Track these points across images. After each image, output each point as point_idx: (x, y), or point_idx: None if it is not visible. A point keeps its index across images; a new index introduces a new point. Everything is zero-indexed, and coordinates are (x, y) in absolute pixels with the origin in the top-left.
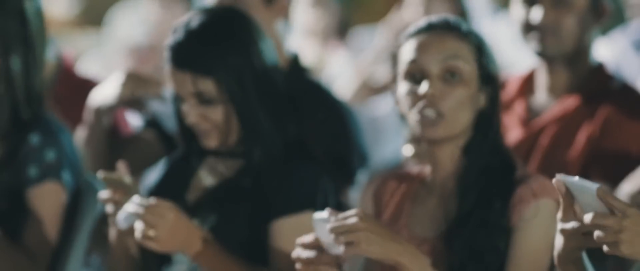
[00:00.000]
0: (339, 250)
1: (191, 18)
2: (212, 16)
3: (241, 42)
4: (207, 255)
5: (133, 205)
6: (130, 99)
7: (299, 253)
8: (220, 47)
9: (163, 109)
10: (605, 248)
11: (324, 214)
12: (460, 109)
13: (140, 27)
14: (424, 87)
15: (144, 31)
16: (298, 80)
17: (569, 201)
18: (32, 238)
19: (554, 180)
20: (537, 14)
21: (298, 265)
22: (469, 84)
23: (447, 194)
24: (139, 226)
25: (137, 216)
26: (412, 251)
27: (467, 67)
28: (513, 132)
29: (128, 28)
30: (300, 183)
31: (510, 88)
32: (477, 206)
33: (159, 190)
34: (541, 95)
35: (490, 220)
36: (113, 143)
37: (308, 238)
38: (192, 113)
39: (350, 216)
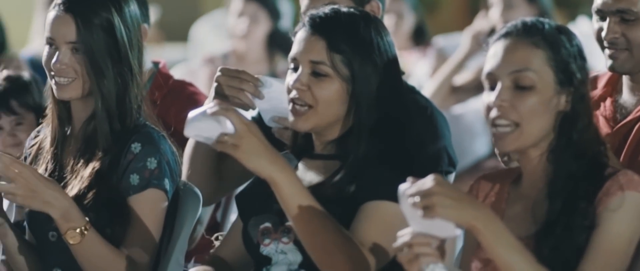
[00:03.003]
0: (423, 224)
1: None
2: (355, 9)
3: (376, 36)
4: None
5: None
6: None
7: (400, 240)
8: (357, 30)
9: (263, 106)
10: None
11: (407, 185)
12: (533, 117)
13: (223, 38)
14: (493, 97)
15: (226, 41)
16: None
17: None
18: (135, 245)
19: None
20: (605, 29)
21: (401, 252)
22: (542, 91)
23: (537, 196)
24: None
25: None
26: (488, 216)
27: (538, 76)
28: (601, 131)
29: (211, 40)
30: (390, 179)
31: (599, 86)
32: (565, 210)
33: (252, 189)
34: (628, 94)
35: (577, 222)
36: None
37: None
38: (301, 80)
39: (427, 182)
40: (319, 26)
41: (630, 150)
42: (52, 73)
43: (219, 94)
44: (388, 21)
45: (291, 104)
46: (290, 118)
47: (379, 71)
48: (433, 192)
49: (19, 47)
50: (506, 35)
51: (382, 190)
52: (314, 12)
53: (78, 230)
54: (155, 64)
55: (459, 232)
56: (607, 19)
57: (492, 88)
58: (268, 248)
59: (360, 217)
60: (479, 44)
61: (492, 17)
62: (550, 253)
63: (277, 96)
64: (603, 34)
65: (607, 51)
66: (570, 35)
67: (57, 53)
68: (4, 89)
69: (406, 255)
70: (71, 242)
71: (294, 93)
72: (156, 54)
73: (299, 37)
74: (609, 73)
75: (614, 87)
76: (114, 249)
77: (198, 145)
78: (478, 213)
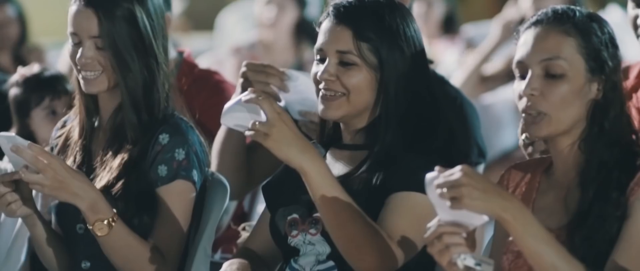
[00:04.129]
0: (451, 213)
1: None
2: None
3: (402, 23)
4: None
5: None
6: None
7: (430, 231)
8: (383, 18)
9: (290, 99)
10: None
11: (434, 174)
12: (564, 106)
13: (249, 28)
14: (523, 85)
15: (252, 30)
16: None
17: None
18: (163, 236)
19: None
20: None
21: (431, 243)
22: (573, 79)
23: (568, 186)
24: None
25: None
26: (517, 207)
27: (569, 64)
28: (635, 121)
29: (237, 29)
30: (419, 170)
31: (632, 77)
32: (597, 199)
33: (280, 180)
34: None
35: (609, 212)
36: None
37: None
38: (329, 71)
39: (455, 172)
40: (344, 15)
41: None
42: (78, 67)
43: (245, 89)
44: (418, 9)
45: (321, 94)
46: (320, 107)
47: (406, 58)
48: (461, 183)
49: (43, 37)
50: (537, 23)
51: (410, 180)
52: (338, 1)
53: (106, 222)
54: (180, 53)
55: (486, 219)
56: None
57: (523, 76)
58: (296, 239)
59: (388, 208)
60: (509, 32)
61: (522, 5)
62: (582, 244)
63: (303, 89)
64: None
65: None
66: (601, 23)
67: (81, 48)
68: (55, 73)
69: (436, 247)
70: (99, 234)
71: (323, 85)
72: (183, 43)
73: (324, 27)
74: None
75: None
76: (142, 240)
77: (228, 138)
78: (507, 204)
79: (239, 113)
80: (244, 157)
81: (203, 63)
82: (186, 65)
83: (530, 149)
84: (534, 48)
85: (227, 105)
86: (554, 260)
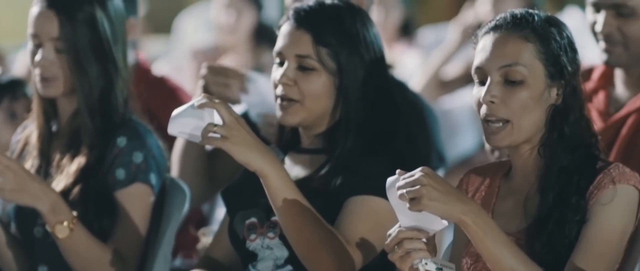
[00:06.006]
0: (410, 217)
1: None
2: (340, 1)
3: (362, 28)
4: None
5: None
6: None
7: (390, 237)
8: (343, 22)
9: (250, 101)
10: None
11: (395, 177)
12: (524, 112)
13: (207, 31)
14: (483, 92)
15: (211, 34)
16: None
17: None
18: (122, 239)
19: None
20: (600, 22)
21: (391, 250)
22: (532, 85)
23: (528, 191)
24: None
25: None
26: (476, 211)
27: (528, 70)
28: (594, 124)
29: (195, 33)
30: (377, 174)
31: (593, 78)
32: (557, 204)
33: (239, 185)
34: (622, 87)
35: (569, 217)
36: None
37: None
38: (288, 75)
39: (416, 173)
40: (304, 20)
41: (624, 144)
42: (37, 69)
43: (206, 91)
44: (376, 14)
45: (278, 99)
46: (278, 113)
47: (365, 63)
48: (421, 183)
49: (3, 40)
50: (495, 28)
51: (368, 184)
52: (298, 5)
53: (66, 224)
54: (136, 57)
55: (446, 223)
56: (602, 12)
57: (482, 83)
58: (254, 243)
59: (345, 212)
60: (468, 36)
61: (481, 9)
62: (542, 248)
63: (263, 91)
64: (598, 27)
65: (601, 44)
66: (560, 27)
67: (41, 49)
68: (14, 77)
69: (397, 253)
70: (59, 236)
71: (280, 89)
72: (141, 46)
73: (284, 31)
74: (603, 66)
75: (607, 80)
76: (102, 244)
77: (188, 144)
78: (466, 207)
79: (187, 120)
80: (205, 163)
81: (161, 66)
82: (140, 70)
83: (496, 153)
84: (493, 54)
85: (174, 113)
86: (513, 264)
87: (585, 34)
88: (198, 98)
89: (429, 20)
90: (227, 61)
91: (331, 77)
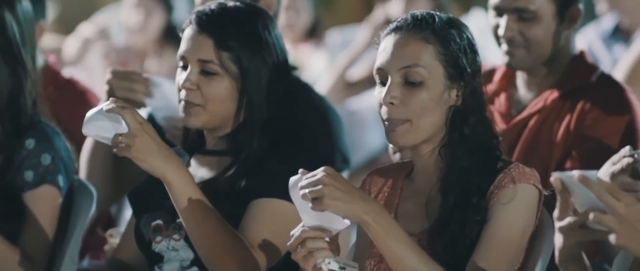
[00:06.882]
0: (313, 217)
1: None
2: (243, 4)
3: (264, 31)
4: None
5: None
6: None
7: (293, 237)
8: (245, 26)
9: (155, 105)
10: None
11: (297, 176)
12: (424, 113)
13: (118, 32)
14: (383, 93)
15: (122, 35)
16: None
17: (565, 197)
18: (30, 240)
19: (551, 178)
20: (503, 26)
21: (295, 250)
22: (432, 87)
23: (430, 191)
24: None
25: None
26: (378, 211)
27: (428, 71)
28: (496, 126)
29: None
30: (281, 177)
31: (495, 80)
32: (458, 205)
33: (145, 186)
34: (523, 89)
35: (470, 217)
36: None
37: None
38: (191, 80)
39: (318, 173)
40: (206, 24)
41: (526, 146)
42: None
43: (111, 96)
44: (285, 16)
45: (182, 103)
46: (182, 116)
47: (268, 66)
48: (323, 183)
49: None
50: (396, 29)
51: (272, 187)
52: (200, 9)
53: None
54: (45, 60)
55: (349, 223)
56: (505, 16)
57: (383, 83)
58: (160, 245)
59: (250, 214)
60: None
61: (393, 10)
62: (443, 249)
63: (168, 95)
64: (500, 30)
65: (504, 47)
66: (461, 29)
67: None
68: None
69: (301, 252)
70: None
71: (183, 93)
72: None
73: (187, 35)
74: (505, 68)
75: (509, 81)
76: (10, 245)
77: (96, 147)
78: (368, 207)
79: (100, 122)
80: (113, 165)
81: (73, 70)
82: (50, 73)
83: (398, 155)
84: (394, 55)
85: (88, 114)
86: (415, 264)
87: (490, 36)
88: (107, 102)
89: (337, 22)
90: (138, 62)
91: (234, 81)
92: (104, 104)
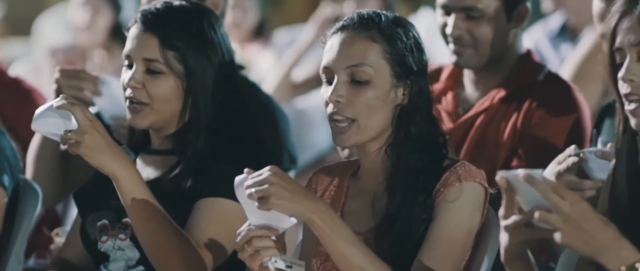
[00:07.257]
0: (260, 216)
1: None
2: (188, 3)
3: (210, 30)
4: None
5: None
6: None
7: (240, 236)
8: (190, 25)
9: (103, 104)
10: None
11: (243, 175)
12: (370, 112)
13: (66, 31)
14: (329, 92)
15: (69, 34)
16: None
17: (510, 196)
18: None
19: (497, 177)
20: (450, 25)
21: (241, 249)
22: (378, 86)
23: (376, 190)
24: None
25: None
26: (324, 209)
27: (374, 70)
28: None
29: (54, 34)
30: (227, 176)
31: (442, 79)
32: (404, 204)
33: (91, 186)
34: (470, 88)
35: (416, 216)
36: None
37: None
38: (136, 78)
39: (264, 172)
40: (151, 23)
41: (473, 144)
42: None
43: (59, 94)
44: (232, 15)
45: (128, 102)
46: (128, 115)
47: (214, 65)
48: (269, 182)
49: None
50: (343, 28)
51: (218, 186)
52: (146, 7)
53: None
54: None
55: (295, 221)
56: (452, 15)
57: (330, 82)
58: (105, 245)
59: (196, 214)
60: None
61: (346, 9)
62: (390, 247)
63: (116, 94)
64: (448, 29)
65: (451, 46)
66: (407, 28)
67: None
68: None
69: (247, 251)
70: None
71: (129, 91)
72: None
73: (132, 33)
74: (451, 67)
75: (456, 80)
76: None
77: (42, 146)
78: (314, 205)
79: (50, 119)
80: (59, 164)
81: (20, 68)
82: None
83: (346, 152)
84: (340, 54)
85: (38, 110)
86: (361, 262)
87: (438, 35)
88: (58, 99)
89: (285, 22)
90: (85, 60)
91: (179, 80)
92: (54, 101)
